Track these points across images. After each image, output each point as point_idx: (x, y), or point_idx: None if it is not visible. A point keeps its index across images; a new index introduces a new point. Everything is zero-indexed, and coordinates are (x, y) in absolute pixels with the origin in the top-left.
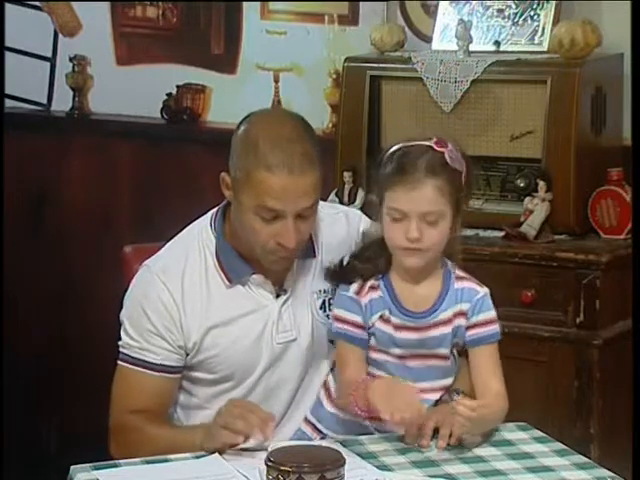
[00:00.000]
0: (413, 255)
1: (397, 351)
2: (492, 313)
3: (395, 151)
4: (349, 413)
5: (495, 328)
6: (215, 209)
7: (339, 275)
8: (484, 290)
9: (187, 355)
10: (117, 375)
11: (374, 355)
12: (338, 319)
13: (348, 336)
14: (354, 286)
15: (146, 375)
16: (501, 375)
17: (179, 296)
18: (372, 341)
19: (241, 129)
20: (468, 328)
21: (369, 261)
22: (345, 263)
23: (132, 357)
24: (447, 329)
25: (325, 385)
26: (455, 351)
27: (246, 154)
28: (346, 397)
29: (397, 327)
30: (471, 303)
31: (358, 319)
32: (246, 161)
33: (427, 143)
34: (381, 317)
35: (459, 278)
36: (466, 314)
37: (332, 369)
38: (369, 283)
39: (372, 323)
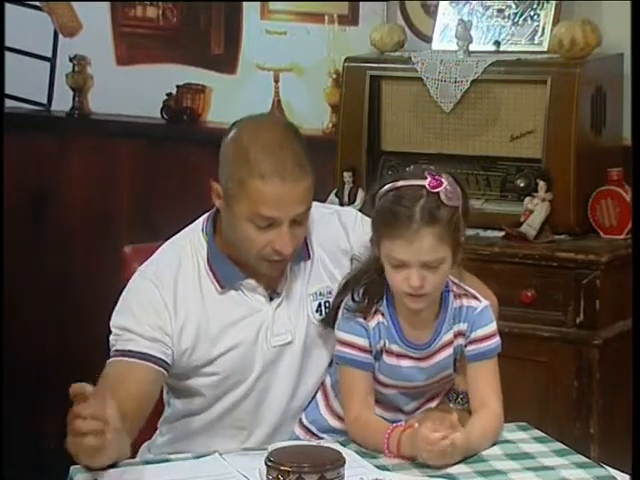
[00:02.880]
0: (417, 300)
1: (404, 384)
2: (491, 327)
3: (387, 193)
4: (367, 449)
5: (494, 342)
6: (206, 214)
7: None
8: (483, 303)
9: (174, 358)
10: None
11: (380, 389)
12: (343, 343)
13: (355, 361)
14: (360, 308)
15: (127, 363)
16: (499, 391)
17: (171, 301)
18: (379, 376)
19: (230, 137)
20: (467, 344)
21: (368, 289)
22: (343, 299)
23: (115, 350)
24: (449, 351)
25: (323, 388)
26: None
27: (238, 163)
28: (361, 437)
29: (400, 356)
30: (469, 322)
31: (365, 343)
32: (238, 170)
33: (420, 183)
34: (385, 347)
35: (457, 296)
36: (465, 333)
37: (329, 367)
38: (374, 306)
39: (379, 349)
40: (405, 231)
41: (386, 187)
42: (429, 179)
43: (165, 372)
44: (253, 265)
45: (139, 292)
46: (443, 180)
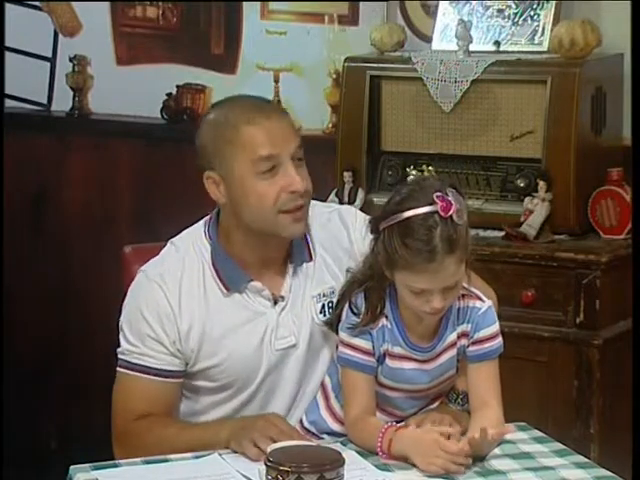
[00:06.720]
0: (436, 316)
1: (408, 387)
2: (493, 327)
3: (395, 225)
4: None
5: (496, 343)
6: (205, 219)
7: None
8: (486, 304)
9: (187, 363)
10: (117, 382)
11: (384, 392)
12: (347, 345)
13: (357, 364)
14: (364, 311)
15: (147, 380)
16: (499, 393)
17: (176, 302)
18: (382, 379)
19: (205, 123)
20: (469, 345)
21: (368, 299)
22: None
23: (132, 363)
24: (453, 352)
25: (323, 387)
26: None
27: (223, 128)
28: (360, 438)
29: (403, 358)
30: (472, 323)
31: (369, 346)
32: (224, 132)
33: (430, 210)
34: (388, 350)
35: (460, 296)
36: (468, 334)
37: (329, 369)
38: (377, 313)
39: (382, 352)
40: (428, 264)
41: (392, 218)
42: (440, 204)
43: (182, 378)
44: (273, 229)
45: (145, 293)
46: (452, 200)
